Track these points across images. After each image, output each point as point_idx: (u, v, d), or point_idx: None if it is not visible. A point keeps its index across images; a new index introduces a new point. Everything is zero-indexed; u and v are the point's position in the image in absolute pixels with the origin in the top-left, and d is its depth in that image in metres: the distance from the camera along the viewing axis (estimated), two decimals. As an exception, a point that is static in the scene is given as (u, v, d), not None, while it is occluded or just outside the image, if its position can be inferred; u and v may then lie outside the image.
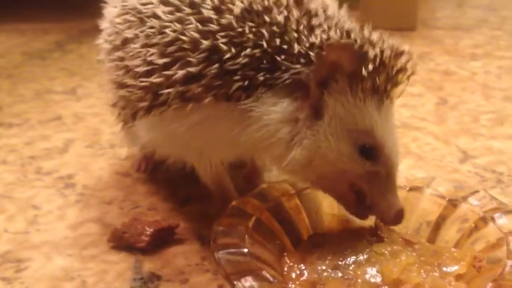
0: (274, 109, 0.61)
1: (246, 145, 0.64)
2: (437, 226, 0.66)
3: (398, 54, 0.61)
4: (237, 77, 0.60)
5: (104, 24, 0.77)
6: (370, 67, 0.59)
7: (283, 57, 0.60)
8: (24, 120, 1.13)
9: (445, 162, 0.94)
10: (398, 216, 0.61)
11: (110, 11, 0.75)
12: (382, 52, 0.60)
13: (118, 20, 0.71)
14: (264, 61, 0.60)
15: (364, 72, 0.58)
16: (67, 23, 1.85)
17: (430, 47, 1.56)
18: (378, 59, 0.59)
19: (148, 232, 0.71)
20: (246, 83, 0.60)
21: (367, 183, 0.62)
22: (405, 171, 0.72)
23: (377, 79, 0.59)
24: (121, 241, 0.72)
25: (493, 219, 0.62)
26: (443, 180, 0.70)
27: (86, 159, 0.97)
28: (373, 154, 0.61)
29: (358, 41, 0.60)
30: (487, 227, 0.62)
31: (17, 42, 1.70)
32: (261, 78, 0.60)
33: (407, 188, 0.69)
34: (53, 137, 1.06)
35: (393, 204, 0.61)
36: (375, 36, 0.62)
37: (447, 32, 1.71)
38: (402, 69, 0.62)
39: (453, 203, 0.66)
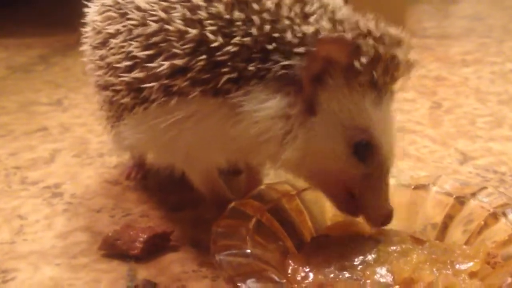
0: (265, 105, 0.56)
1: (236, 144, 0.60)
2: (444, 226, 0.64)
3: (397, 43, 0.57)
4: (226, 69, 0.56)
5: (86, 28, 0.74)
6: (366, 59, 0.55)
7: (274, 45, 0.56)
8: (8, 132, 1.09)
9: (445, 163, 0.91)
10: (386, 219, 0.60)
11: (91, 13, 0.72)
12: (378, 42, 0.56)
13: (97, 18, 0.68)
14: (255, 50, 0.56)
15: (358, 64, 0.54)
16: (50, 37, 1.81)
17: (421, 54, 1.54)
18: (374, 50, 0.55)
19: (142, 239, 0.68)
20: (235, 74, 0.56)
21: (359, 184, 0.59)
22: (406, 173, 0.69)
23: (374, 73, 0.56)
24: (113, 249, 0.68)
25: (504, 214, 0.60)
26: (448, 178, 0.67)
27: (74, 168, 0.93)
28: (367, 153, 0.58)
29: (350, 33, 0.56)
30: (498, 223, 0.60)
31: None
32: (252, 69, 0.56)
33: (412, 187, 0.66)
34: (39, 147, 1.02)
35: (381, 207, 0.59)
36: (371, 25, 0.57)
37: (437, 40, 1.71)
38: (402, 60, 0.57)
39: (460, 201, 0.64)
